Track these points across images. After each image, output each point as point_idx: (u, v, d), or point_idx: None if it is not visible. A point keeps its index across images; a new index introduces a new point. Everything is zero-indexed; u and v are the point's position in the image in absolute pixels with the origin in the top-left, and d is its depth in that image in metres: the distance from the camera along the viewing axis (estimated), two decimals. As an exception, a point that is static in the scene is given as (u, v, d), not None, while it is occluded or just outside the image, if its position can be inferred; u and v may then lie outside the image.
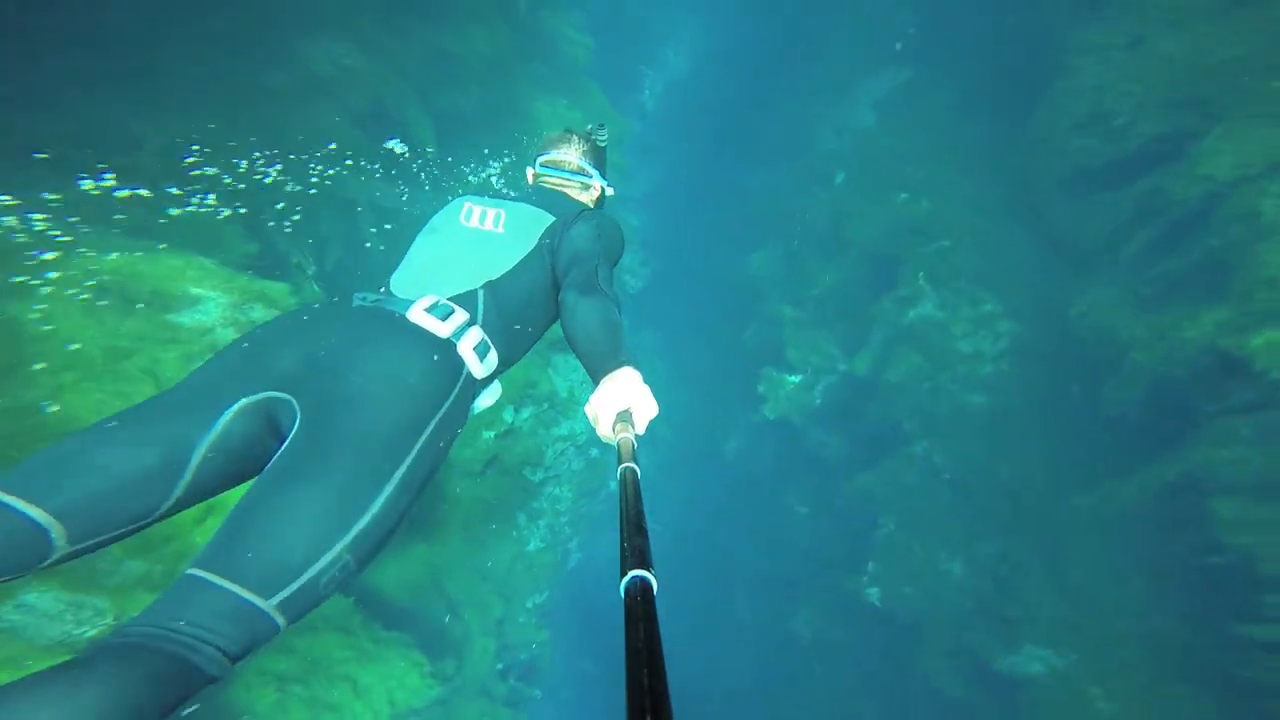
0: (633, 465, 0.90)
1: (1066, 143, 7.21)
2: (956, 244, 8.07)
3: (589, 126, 2.21)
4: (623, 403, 1.19)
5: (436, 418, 1.33)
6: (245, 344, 1.37)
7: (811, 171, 11.05)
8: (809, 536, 10.44)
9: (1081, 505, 6.69)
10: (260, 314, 3.56)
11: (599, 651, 14.10)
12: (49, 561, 1.03)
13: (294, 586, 1.04)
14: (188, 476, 1.16)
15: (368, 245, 5.47)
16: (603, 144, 2.18)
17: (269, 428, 1.29)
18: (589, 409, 1.20)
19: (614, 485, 12.73)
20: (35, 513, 0.99)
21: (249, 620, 1.00)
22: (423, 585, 6.52)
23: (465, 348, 1.48)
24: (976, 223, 8.06)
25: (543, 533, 9.51)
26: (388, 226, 5.51)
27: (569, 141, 2.10)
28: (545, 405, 9.82)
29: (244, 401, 1.25)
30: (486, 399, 1.64)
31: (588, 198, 2.09)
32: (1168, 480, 5.66)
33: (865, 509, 9.17)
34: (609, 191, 2.14)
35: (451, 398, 1.39)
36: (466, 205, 1.81)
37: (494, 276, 1.63)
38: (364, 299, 1.56)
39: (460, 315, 1.51)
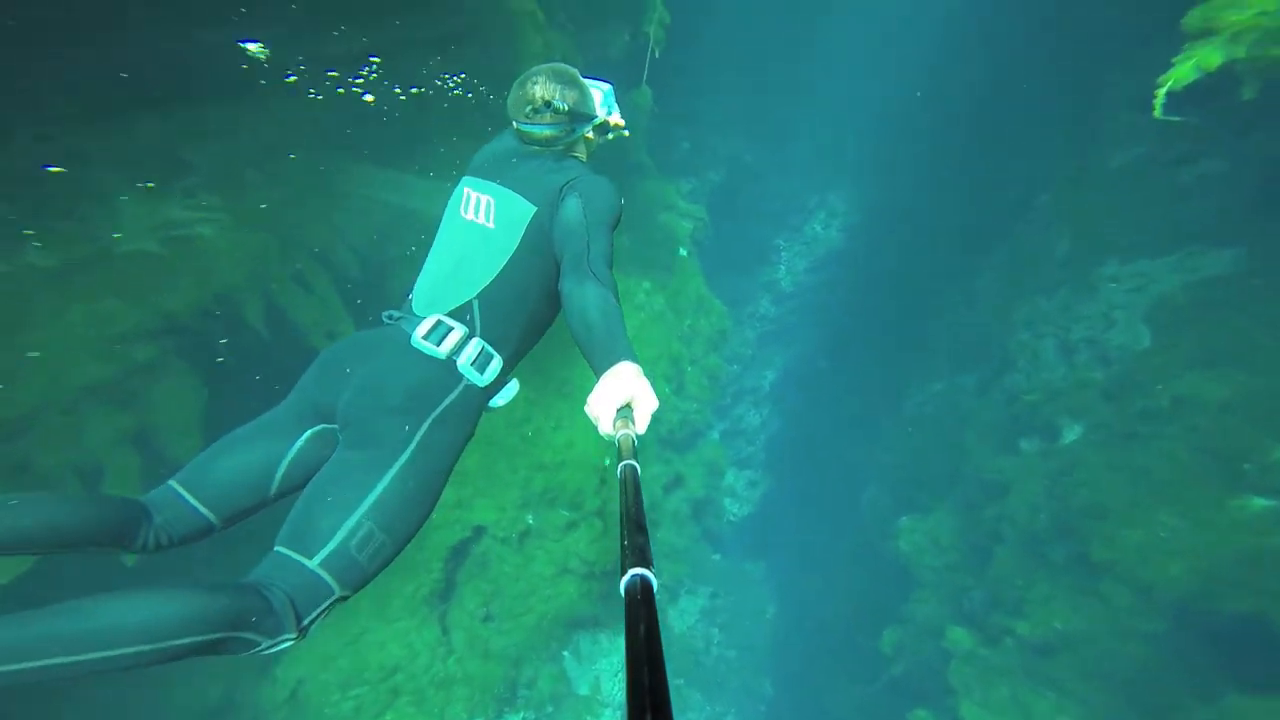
0: (633, 463, 0.89)
1: None
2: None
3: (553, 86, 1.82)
4: (623, 397, 1.19)
5: (429, 420, 1.54)
6: (312, 376, 1.69)
7: (1012, 412, 7.18)
8: None
9: None
10: None
11: None
12: (211, 534, 1.55)
13: (328, 549, 1.38)
14: (277, 483, 1.59)
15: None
16: (571, 101, 1.81)
17: (330, 447, 1.62)
18: (589, 408, 1.22)
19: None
20: (197, 503, 1.50)
21: (301, 576, 1.35)
22: None
23: (464, 362, 1.62)
24: None
25: None
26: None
27: (532, 103, 1.80)
28: (548, 708, 6.49)
29: (310, 432, 1.63)
30: (504, 396, 1.73)
31: (582, 151, 1.95)
32: None
33: None
34: (613, 120, 1.98)
35: (443, 405, 1.58)
36: (465, 191, 1.83)
37: (485, 284, 1.69)
38: (390, 317, 1.75)
39: (456, 333, 1.64)
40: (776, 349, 11.62)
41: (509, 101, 1.86)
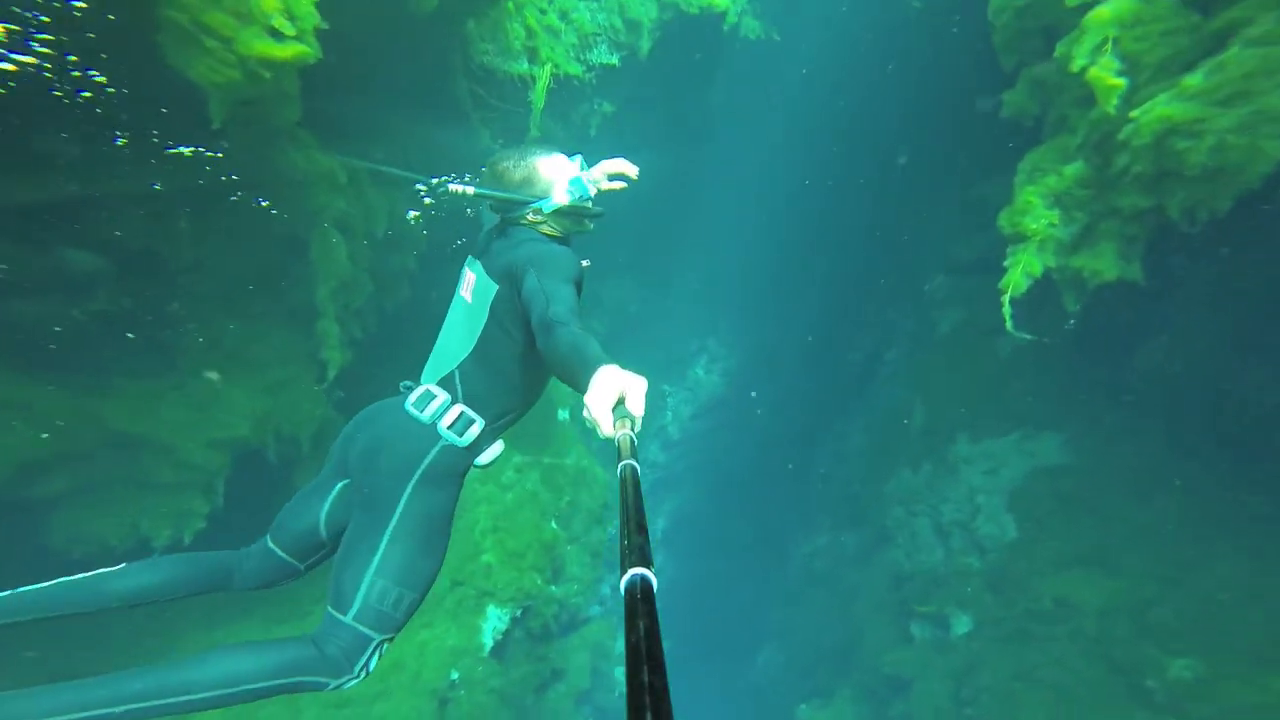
0: (633, 463, 0.89)
1: None
2: None
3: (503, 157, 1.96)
4: (615, 393, 1.18)
5: (414, 479, 1.79)
6: (340, 437, 1.99)
7: (900, 595, 6.99)
8: None
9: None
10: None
11: None
12: (298, 574, 1.95)
13: (357, 607, 1.69)
14: (324, 529, 1.89)
15: None
16: (526, 171, 1.92)
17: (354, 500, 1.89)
18: (587, 414, 1.19)
19: None
20: (282, 553, 1.90)
21: (346, 630, 1.70)
22: None
23: (443, 426, 1.83)
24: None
25: None
26: None
27: (495, 176, 1.95)
28: None
29: (340, 485, 1.92)
30: (487, 455, 1.92)
31: (549, 229, 1.97)
32: None
33: None
34: (564, 200, 1.91)
35: (425, 464, 1.80)
36: (464, 269, 2.00)
37: (464, 356, 1.88)
38: (406, 387, 1.97)
39: (439, 399, 1.86)
40: (666, 496, 11.19)
41: (482, 176, 2.03)
